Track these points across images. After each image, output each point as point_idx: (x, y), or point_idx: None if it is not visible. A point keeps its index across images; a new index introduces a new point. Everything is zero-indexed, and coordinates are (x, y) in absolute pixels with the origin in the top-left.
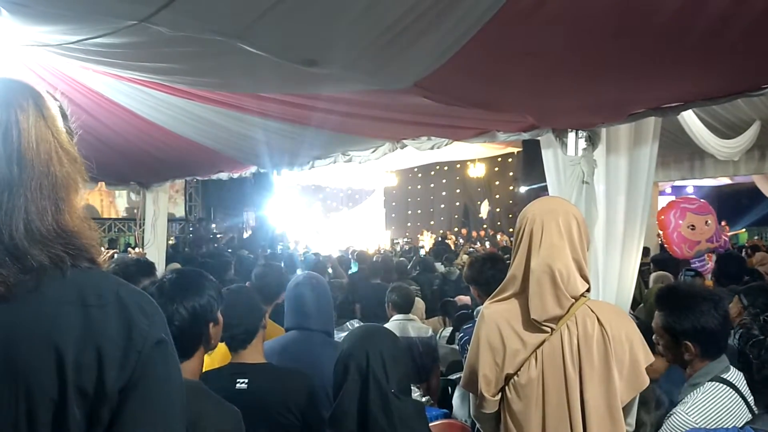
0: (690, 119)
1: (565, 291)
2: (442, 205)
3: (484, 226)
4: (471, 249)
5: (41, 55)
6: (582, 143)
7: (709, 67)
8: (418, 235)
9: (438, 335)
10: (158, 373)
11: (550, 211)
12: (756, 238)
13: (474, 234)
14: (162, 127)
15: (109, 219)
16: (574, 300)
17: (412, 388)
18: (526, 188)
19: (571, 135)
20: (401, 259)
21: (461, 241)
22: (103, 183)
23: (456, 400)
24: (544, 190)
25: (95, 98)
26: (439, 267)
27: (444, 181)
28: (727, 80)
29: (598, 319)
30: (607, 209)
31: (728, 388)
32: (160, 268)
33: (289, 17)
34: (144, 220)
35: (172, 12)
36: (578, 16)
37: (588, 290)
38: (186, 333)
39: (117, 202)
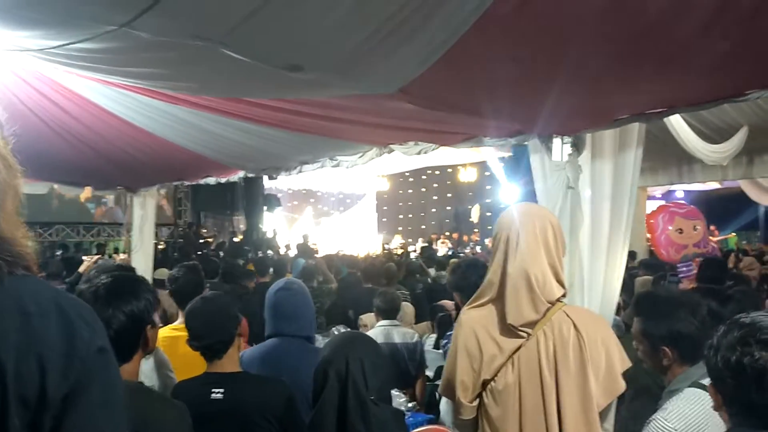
0: (678, 124)
1: (540, 296)
2: (434, 210)
3: (475, 230)
4: (461, 253)
5: (25, 60)
6: (567, 149)
7: (692, 74)
8: (390, 240)
9: (425, 340)
10: (101, 381)
11: (526, 217)
12: (744, 242)
13: (465, 238)
14: (148, 131)
15: (99, 224)
16: (550, 305)
17: (397, 393)
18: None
19: (557, 140)
20: (390, 263)
21: (449, 245)
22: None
23: (443, 405)
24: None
25: (81, 103)
26: (431, 272)
27: (435, 185)
28: (710, 86)
29: (574, 324)
30: (592, 214)
31: (708, 393)
32: (148, 274)
33: (271, 23)
34: (131, 225)
35: (152, 17)
36: (561, 21)
37: (564, 295)
38: (125, 337)
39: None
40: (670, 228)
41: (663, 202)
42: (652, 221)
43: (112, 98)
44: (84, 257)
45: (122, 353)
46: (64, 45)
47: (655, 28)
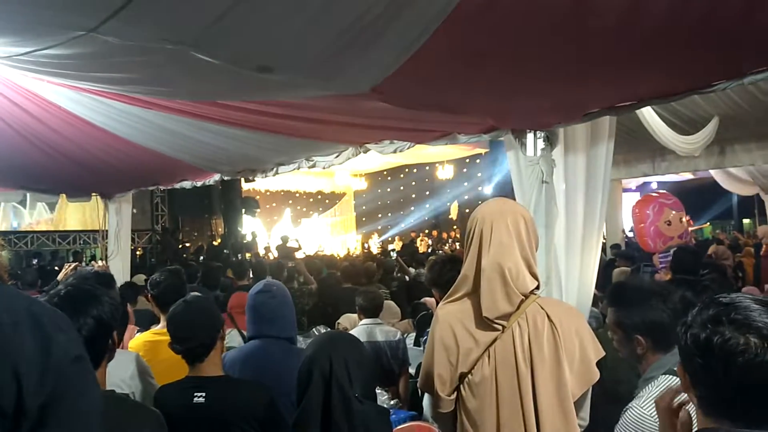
0: (650, 116)
1: (514, 288)
2: (412, 207)
3: (455, 227)
4: (440, 250)
5: None
6: (540, 143)
7: (657, 67)
8: (369, 239)
9: (407, 338)
10: (78, 389)
11: (499, 212)
12: (718, 231)
13: (444, 235)
14: (121, 137)
15: (74, 231)
16: (524, 297)
17: (380, 391)
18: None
19: (530, 135)
20: (370, 263)
21: (429, 242)
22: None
23: (426, 402)
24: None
25: (52, 109)
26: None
27: (413, 183)
28: (676, 79)
29: (548, 316)
30: (566, 207)
31: None
32: (125, 280)
33: (241, 25)
34: (107, 231)
35: (120, 22)
36: (530, 17)
37: (537, 287)
38: (94, 343)
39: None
40: (660, 220)
41: (638, 195)
42: (638, 211)
43: (83, 104)
44: (57, 267)
45: (93, 361)
46: (31, 51)
47: (618, 24)
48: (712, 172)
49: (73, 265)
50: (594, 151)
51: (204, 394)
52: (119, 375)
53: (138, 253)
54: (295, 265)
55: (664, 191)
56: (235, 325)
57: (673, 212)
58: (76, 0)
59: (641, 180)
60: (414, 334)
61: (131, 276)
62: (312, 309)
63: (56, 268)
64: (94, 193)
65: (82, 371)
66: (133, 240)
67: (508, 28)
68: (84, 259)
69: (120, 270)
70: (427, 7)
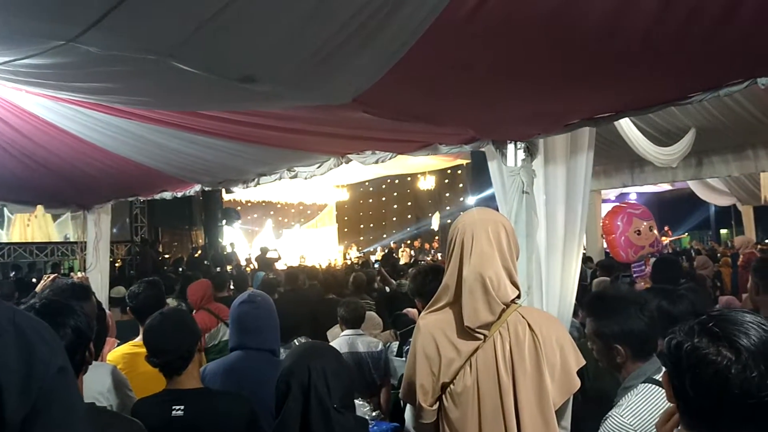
0: (628, 128)
1: (496, 297)
2: (394, 218)
3: (436, 237)
4: (422, 261)
5: None
6: (521, 154)
7: (636, 79)
8: (351, 250)
9: (388, 348)
10: (62, 401)
11: (480, 221)
12: (694, 241)
13: (426, 246)
14: (101, 147)
15: (52, 243)
16: (505, 306)
17: (362, 402)
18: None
19: (510, 146)
20: (359, 273)
21: (411, 253)
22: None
23: (408, 413)
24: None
25: (30, 120)
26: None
27: (395, 194)
28: (654, 90)
29: (528, 325)
30: (547, 218)
31: (661, 388)
32: (104, 291)
33: (221, 34)
34: (86, 243)
35: (100, 31)
36: (511, 29)
37: (518, 296)
38: (73, 355)
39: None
40: (629, 230)
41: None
42: (607, 222)
43: (63, 114)
44: (34, 279)
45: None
46: (10, 61)
47: (597, 36)
48: (690, 183)
49: (53, 276)
50: (574, 161)
51: (182, 407)
52: (96, 388)
53: (117, 264)
54: (275, 275)
55: (633, 201)
56: (219, 319)
57: (644, 222)
58: (56, 9)
59: (620, 191)
60: (396, 344)
61: (110, 288)
62: (293, 320)
63: (33, 280)
64: (72, 204)
65: (65, 382)
66: (112, 251)
67: (489, 41)
68: (62, 270)
69: (99, 282)
70: (409, 18)
